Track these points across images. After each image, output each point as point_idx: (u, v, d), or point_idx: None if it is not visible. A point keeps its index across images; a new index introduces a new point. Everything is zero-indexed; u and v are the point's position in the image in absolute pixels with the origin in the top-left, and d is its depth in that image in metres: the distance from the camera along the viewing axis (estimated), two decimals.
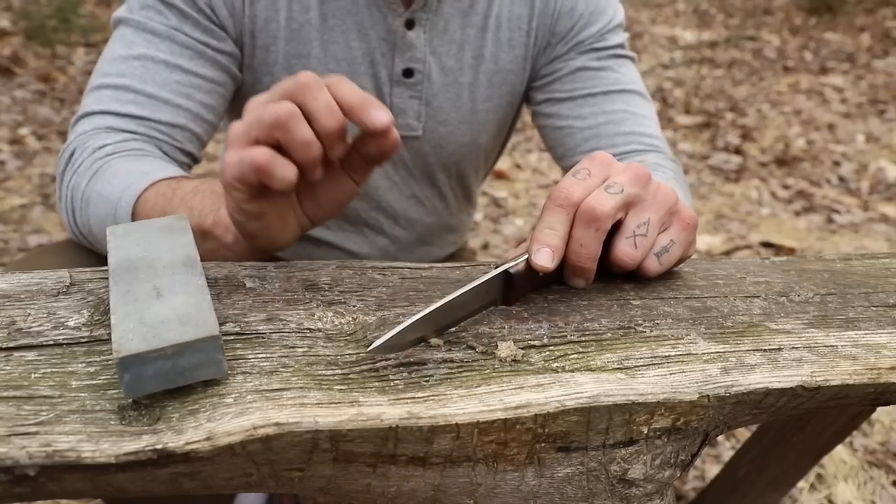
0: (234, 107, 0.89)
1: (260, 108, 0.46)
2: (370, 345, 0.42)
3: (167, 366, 0.37)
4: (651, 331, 0.47)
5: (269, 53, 0.82)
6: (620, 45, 0.89)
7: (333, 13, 0.81)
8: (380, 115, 0.46)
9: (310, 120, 0.45)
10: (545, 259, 0.46)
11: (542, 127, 0.91)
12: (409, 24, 0.82)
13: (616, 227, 0.50)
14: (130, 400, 0.37)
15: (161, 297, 0.41)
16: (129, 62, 0.75)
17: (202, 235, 0.57)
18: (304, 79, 0.45)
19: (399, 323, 0.44)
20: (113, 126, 0.73)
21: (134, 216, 0.64)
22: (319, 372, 0.41)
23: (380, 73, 0.84)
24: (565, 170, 0.91)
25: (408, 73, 0.84)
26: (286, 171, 0.45)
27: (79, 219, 0.71)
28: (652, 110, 0.90)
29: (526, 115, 1.01)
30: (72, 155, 0.72)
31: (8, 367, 0.39)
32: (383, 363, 0.42)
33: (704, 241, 2.22)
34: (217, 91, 0.79)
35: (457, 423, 0.39)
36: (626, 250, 0.49)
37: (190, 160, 0.79)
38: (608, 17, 0.88)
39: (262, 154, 0.45)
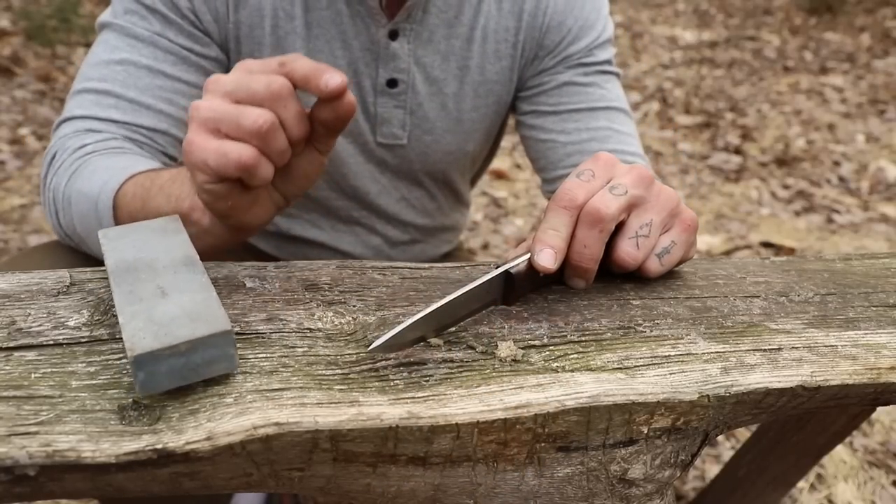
0: None
1: (233, 109, 0.47)
2: (370, 345, 0.42)
3: (180, 363, 0.37)
4: (651, 331, 0.48)
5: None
6: (608, 62, 0.89)
7: (318, 22, 0.81)
8: (333, 78, 0.47)
9: (282, 126, 0.48)
10: (548, 260, 0.47)
11: (526, 138, 0.91)
12: (393, 35, 0.82)
13: (618, 228, 0.50)
14: (130, 400, 0.37)
15: (166, 295, 0.41)
16: (112, 67, 0.75)
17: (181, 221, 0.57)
18: (276, 86, 0.47)
19: (399, 323, 0.44)
20: (93, 129, 0.73)
21: (115, 209, 0.64)
22: (319, 372, 0.41)
23: (364, 82, 0.84)
24: (545, 181, 0.91)
25: (392, 83, 0.84)
26: (268, 172, 0.48)
27: (62, 219, 0.71)
28: (634, 128, 0.90)
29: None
30: (53, 158, 0.72)
31: (8, 367, 0.39)
32: (383, 363, 0.42)
33: (704, 241, 2.22)
34: (200, 97, 0.79)
35: (457, 423, 0.39)
36: (629, 251, 0.50)
37: (173, 164, 0.79)
38: (597, 33, 0.87)
39: (250, 155, 0.47)
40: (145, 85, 0.75)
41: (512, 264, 0.48)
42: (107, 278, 0.48)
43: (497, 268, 0.48)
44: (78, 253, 0.75)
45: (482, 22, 0.85)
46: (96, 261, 0.72)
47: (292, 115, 0.48)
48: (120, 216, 0.64)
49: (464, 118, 0.89)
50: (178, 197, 0.58)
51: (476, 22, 0.85)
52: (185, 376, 0.37)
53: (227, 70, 0.82)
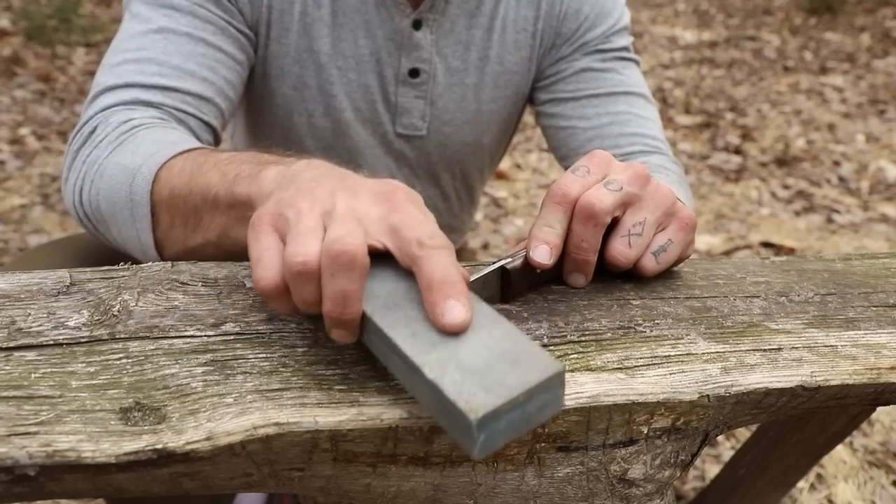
0: (243, 98, 0.89)
1: (300, 227, 0.39)
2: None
3: (517, 415, 0.32)
4: (651, 331, 0.47)
5: (282, 45, 0.82)
6: (625, 48, 0.89)
7: (343, 11, 0.82)
8: (456, 312, 0.36)
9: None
10: (543, 255, 0.47)
11: (546, 127, 0.92)
12: (417, 25, 0.83)
13: (612, 226, 0.50)
14: (131, 400, 0.37)
15: (457, 335, 0.35)
16: (150, 36, 0.72)
17: (228, 206, 0.51)
18: (340, 255, 0.37)
19: None
20: (139, 98, 0.69)
21: (154, 182, 0.58)
22: (320, 372, 0.41)
23: (385, 72, 0.85)
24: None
25: (414, 72, 0.85)
26: (281, 308, 0.41)
27: (86, 194, 0.65)
28: (655, 113, 0.90)
29: (527, 116, 1.02)
30: (93, 131, 0.67)
31: (8, 367, 0.39)
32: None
33: (704, 241, 2.22)
34: (237, 69, 0.77)
35: None
36: (621, 249, 0.50)
37: (213, 139, 0.75)
38: (614, 20, 0.88)
39: (267, 285, 0.39)
40: (188, 52, 0.72)
41: (508, 260, 0.48)
42: (107, 278, 0.48)
43: (493, 264, 0.48)
44: (86, 252, 0.74)
45: (502, 12, 0.86)
46: (99, 260, 0.70)
47: (330, 289, 0.37)
48: (158, 190, 0.58)
49: (483, 109, 0.90)
50: (236, 176, 0.51)
51: (496, 12, 0.86)
52: (519, 428, 0.33)
53: (255, 49, 0.81)
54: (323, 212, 0.39)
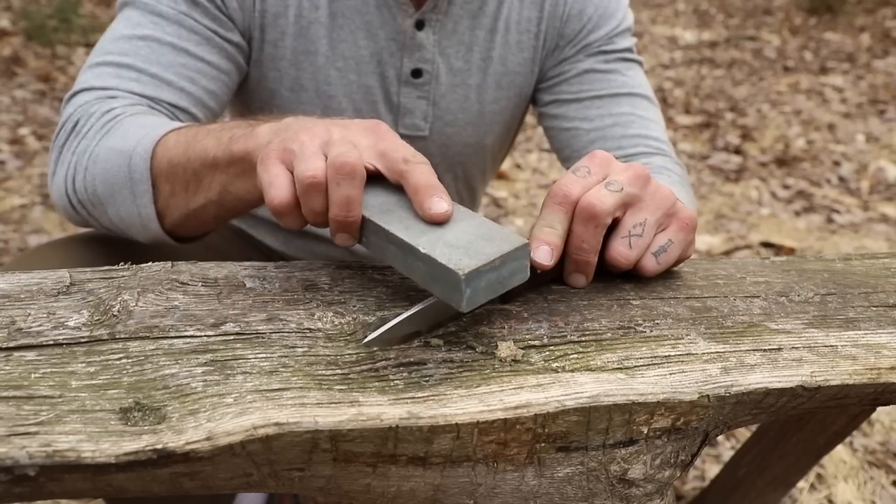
0: (238, 100, 0.89)
1: (304, 151, 0.47)
2: (366, 339, 0.42)
3: (494, 277, 0.41)
4: (651, 331, 0.47)
5: (277, 49, 0.82)
6: (629, 49, 0.89)
7: (343, 12, 0.82)
8: (440, 205, 0.45)
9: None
10: (544, 256, 0.47)
11: (549, 128, 0.92)
12: (419, 25, 0.83)
13: (612, 227, 0.50)
14: (131, 400, 0.37)
15: (441, 225, 0.44)
16: (134, 42, 0.73)
17: (227, 164, 0.55)
18: (342, 164, 0.45)
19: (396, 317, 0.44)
20: (115, 97, 0.71)
21: (153, 159, 0.62)
22: (319, 372, 0.41)
23: (387, 72, 0.85)
24: None
25: (416, 73, 0.85)
26: (292, 224, 0.49)
27: (79, 182, 0.67)
28: (658, 114, 0.90)
29: (528, 116, 1.02)
30: (75, 125, 0.69)
31: (8, 367, 0.39)
32: (383, 363, 0.42)
33: (704, 241, 2.22)
34: (221, 79, 0.78)
35: (457, 423, 0.39)
36: (621, 250, 0.50)
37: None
38: (617, 21, 0.88)
39: (281, 202, 0.47)
40: (168, 62, 0.74)
41: None
42: (107, 278, 0.48)
43: None
44: (86, 252, 0.74)
45: (505, 13, 0.86)
46: (99, 260, 0.70)
47: (336, 196, 0.45)
48: (156, 164, 0.62)
49: (485, 110, 0.90)
50: (231, 138, 0.55)
51: (499, 13, 0.86)
52: (495, 289, 0.41)
53: (247, 59, 0.82)
54: (322, 142, 0.47)
